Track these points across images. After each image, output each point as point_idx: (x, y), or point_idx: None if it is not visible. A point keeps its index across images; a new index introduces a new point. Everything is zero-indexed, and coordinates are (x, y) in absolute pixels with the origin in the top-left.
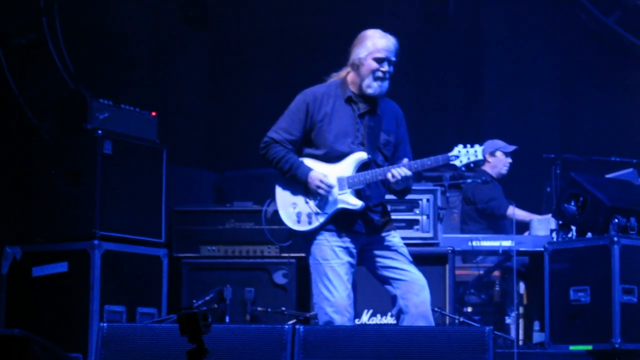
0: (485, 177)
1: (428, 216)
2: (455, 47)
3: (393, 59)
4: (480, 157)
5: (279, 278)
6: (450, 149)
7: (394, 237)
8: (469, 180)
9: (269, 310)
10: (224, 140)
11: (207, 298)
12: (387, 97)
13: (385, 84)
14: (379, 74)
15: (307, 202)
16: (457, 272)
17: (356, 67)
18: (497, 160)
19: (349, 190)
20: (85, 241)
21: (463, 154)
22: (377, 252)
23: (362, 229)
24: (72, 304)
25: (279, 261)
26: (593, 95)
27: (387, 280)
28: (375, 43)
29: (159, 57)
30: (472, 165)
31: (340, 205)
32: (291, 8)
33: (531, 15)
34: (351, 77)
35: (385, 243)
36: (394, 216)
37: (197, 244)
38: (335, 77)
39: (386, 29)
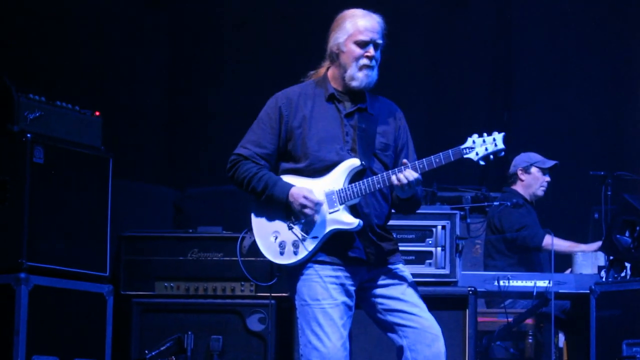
0: (516, 200)
1: (444, 248)
2: (480, 37)
3: (379, 41)
4: (501, 146)
5: (254, 324)
6: (506, 170)
7: (402, 272)
8: (495, 203)
9: None
10: (186, 149)
11: (164, 348)
12: (381, 96)
13: (373, 73)
14: (364, 60)
15: (290, 228)
16: (480, 318)
17: (336, 56)
18: (532, 178)
19: (341, 207)
20: (8, 274)
21: (479, 144)
22: (380, 291)
23: (363, 255)
24: None
25: (254, 302)
26: None
27: (391, 327)
28: (356, 23)
29: (104, 42)
30: (491, 157)
31: (332, 227)
32: None
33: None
34: (332, 71)
35: (391, 279)
36: (400, 247)
37: (151, 279)
38: (314, 76)
39: (396, 13)
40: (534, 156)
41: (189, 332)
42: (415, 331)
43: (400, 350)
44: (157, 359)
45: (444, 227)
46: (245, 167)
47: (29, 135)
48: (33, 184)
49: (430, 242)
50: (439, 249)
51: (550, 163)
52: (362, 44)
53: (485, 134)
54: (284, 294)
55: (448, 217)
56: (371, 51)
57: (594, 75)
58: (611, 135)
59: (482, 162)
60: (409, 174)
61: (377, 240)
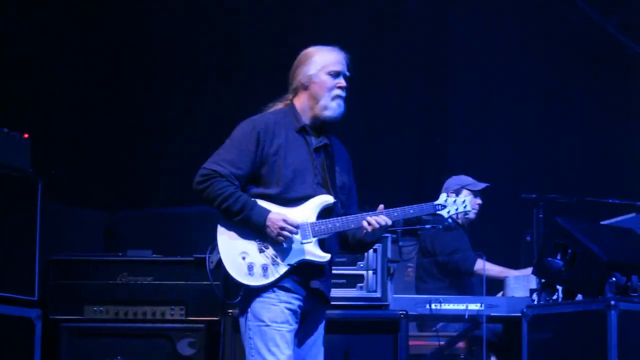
0: (447, 223)
1: (375, 271)
2: (415, 58)
3: (347, 74)
4: (469, 208)
5: (184, 348)
6: (417, 187)
7: (324, 319)
8: (427, 226)
9: None
10: (117, 171)
11: None
12: (333, 135)
13: (344, 104)
14: (337, 91)
15: (262, 251)
16: (412, 342)
17: (304, 89)
18: None
19: (313, 240)
20: None
21: (450, 203)
22: (302, 332)
23: (322, 287)
24: None
25: (184, 326)
26: (585, 120)
27: None
28: (327, 56)
29: (34, 62)
30: (457, 216)
31: (304, 257)
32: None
33: (506, 17)
34: (300, 103)
35: (316, 326)
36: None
37: (81, 303)
38: (275, 107)
39: (326, 33)
40: (465, 179)
41: (118, 357)
42: None
43: None
44: None
45: (375, 250)
46: (220, 185)
47: None
48: None
49: (361, 265)
50: (371, 272)
51: (481, 185)
52: (335, 74)
53: (454, 195)
54: (213, 318)
55: (379, 240)
56: (343, 82)
57: (527, 98)
58: (543, 157)
59: (450, 220)
60: (381, 220)
61: (330, 276)
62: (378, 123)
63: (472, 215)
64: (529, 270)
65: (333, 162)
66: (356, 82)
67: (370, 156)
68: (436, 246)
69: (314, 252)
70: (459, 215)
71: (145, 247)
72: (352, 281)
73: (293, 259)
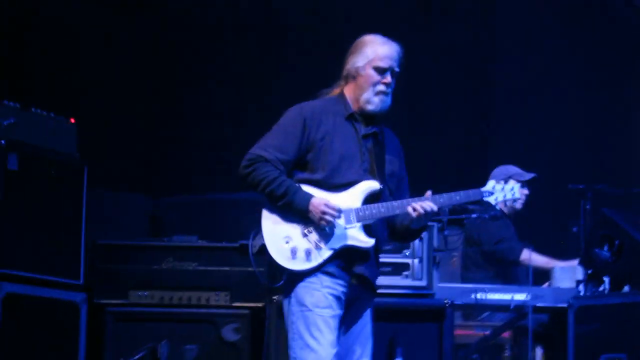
0: (494, 212)
1: (421, 260)
2: (462, 47)
3: (396, 69)
4: (517, 195)
5: (228, 333)
6: (462, 176)
7: (371, 311)
8: (473, 215)
9: None
10: (163, 157)
11: (137, 357)
12: (386, 125)
13: (388, 99)
14: (381, 87)
15: (305, 236)
16: (457, 331)
17: (352, 79)
18: None
19: (357, 225)
20: None
21: (498, 190)
22: (348, 320)
23: (366, 273)
24: None
25: (229, 312)
26: (633, 111)
27: None
28: (376, 50)
29: (81, 48)
30: (506, 203)
31: (348, 242)
32: None
33: (552, 5)
34: (348, 91)
35: (362, 314)
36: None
37: (126, 287)
38: (329, 94)
39: (372, 21)
40: (512, 169)
41: (163, 342)
42: None
43: None
44: None
45: (421, 239)
46: (265, 169)
47: (2, 141)
48: (7, 191)
49: (407, 253)
50: (416, 260)
51: (528, 176)
52: (381, 71)
53: (503, 182)
54: (258, 304)
55: (426, 228)
56: (388, 78)
57: (575, 87)
58: (591, 148)
59: (497, 207)
60: (426, 205)
61: (376, 262)
62: (422, 112)
63: (518, 206)
64: (575, 261)
65: (383, 151)
66: (403, 70)
67: (413, 146)
68: (482, 236)
69: (358, 237)
70: (507, 203)
71: (190, 233)
72: (398, 269)
73: (336, 243)
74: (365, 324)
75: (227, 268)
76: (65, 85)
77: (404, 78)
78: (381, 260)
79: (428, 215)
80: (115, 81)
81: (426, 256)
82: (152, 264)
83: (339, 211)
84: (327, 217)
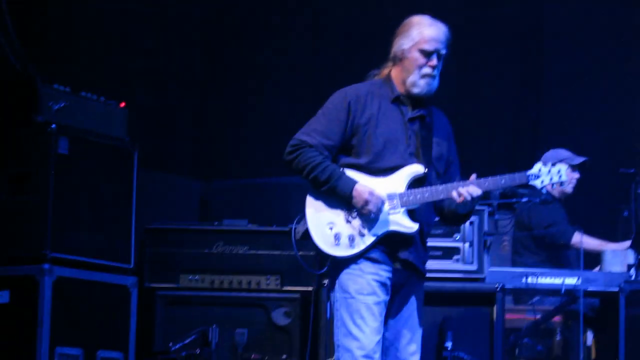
0: (545, 196)
1: (471, 244)
2: (511, 29)
3: (443, 52)
4: (565, 178)
5: (279, 318)
6: (512, 161)
7: (422, 292)
8: (524, 200)
9: (266, 358)
10: (214, 140)
11: (188, 341)
12: (436, 106)
13: (435, 81)
14: (427, 69)
15: (348, 221)
16: (508, 315)
17: (399, 61)
18: None
19: (401, 210)
20: (32, 265)
21: (545, 173)
22: (397, 305)
23: (411, 259)
24: (14, 345)
25: (279, 296)
26: None
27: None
28: (423, 32)
29: (130, 32)
30: (553, 186)
31: (391, 228)
32: None
33: None
34: (395, 73)
35: (410, 296)
36: (427, 242)
37: (176, 271)
38: (377, 76)
39: (423, 9)
40: (563, 152)
41: (214, 325)
42: (394, 358)
43: None
44: (181, 352)
45: (471, 223)
46: (309, 154)
47: (53, 126)
48: (57, 175)
49: (457, 237)
50: (467, 244)
51: (579, 160)
52: (427, 53)
53: (550, 164)
54: (308, 288)
55: (476, 213)
56: (434, 61)
57: (625, 70)
58: None
59: (544, 191)
60: (473, 190)
61: (422, 247)
62: (471, 95)
63: (569, 189)
64: (627, 243)
65: (430, 133)
66: (450, 52)
67: (463, 129)
68: (532, 219)
69: (402, 223)
70: (554, 186)
71: (240, 217)
72: (449, 253)
73: (380, 229)
74: (414, 309)
75: (277, 252)
76: (115, 69)
77: (453, 60)
78: (432, 244)
79: (473, 199)
80: (167, 63)
81: (477, 240)
82: (202, 248)
83: (382, 202)
84: (370, 207)
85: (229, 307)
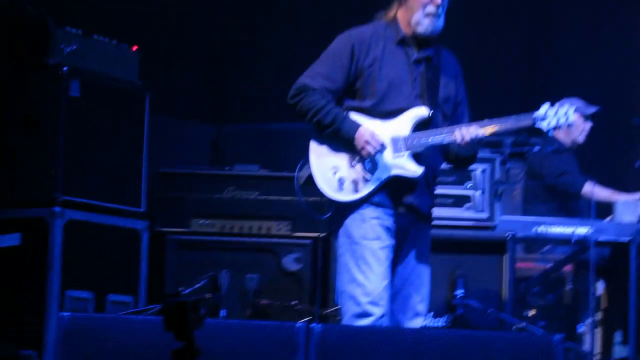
0: (557, 145)
1: (483, 192)
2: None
3: None
4: (572, 119)
5: (290, 263)
6: (523, 111)
7: (429, 239)
8: (536, 148)
9: (277, 303)
10: (224, 84)
11: (198, 285)
12: (443, 46)
13: (439, 21)
14: (431, 8)
15: (352, 166)
16: (519, 264)
17: (404, 1)
18: (573, 124)
19: (406, 153)
20: (43, 207)
21: (551, 115)
22: (404, 252)
23: (416, 203)
24: (25, 288)
25: (290, 242)
26: None
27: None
28: None
29: None
30: (561, 129)
31: (395, 172)
32: None
33: None
34: (401, 14)
35: (419, 245)
36: (438, 190)
37: (187, 216)
38: (384, 18)
39: None
40: (576, 101)
41: (224, 271)
42: (401, 304)
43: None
44: (191, 296)
45: (483, 171)
46: (312, 98)
47: (65, 68)
48: (69, 117)
49: (469, 185)
50: (478, 192)
51: (592, 109)
52: None
53: (557, 105)
54: (318, 234)
55: (488, 161)
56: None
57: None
58: None
59: (551, 133)
60: (473, 130)
61: (428, 191)
62: (482, 49)
63: (581, 139)
64: (639, 194)
65: (437, 75)
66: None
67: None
68: (544, 168)
69: (406, 167)
70: (561, 128)
71: (251, 162)
72: (460, 201)
73: (384, 173)
74: (421, 255)
75: (288, 198)
76: (127, 12)
77: (462, 14)
78: (443, 192)
79: (476, 140)
80: (178, 7)
81: (488, 189)
82: (213, 193)
83: (382, 144)
84: (369, 148)
85: (240, 252)
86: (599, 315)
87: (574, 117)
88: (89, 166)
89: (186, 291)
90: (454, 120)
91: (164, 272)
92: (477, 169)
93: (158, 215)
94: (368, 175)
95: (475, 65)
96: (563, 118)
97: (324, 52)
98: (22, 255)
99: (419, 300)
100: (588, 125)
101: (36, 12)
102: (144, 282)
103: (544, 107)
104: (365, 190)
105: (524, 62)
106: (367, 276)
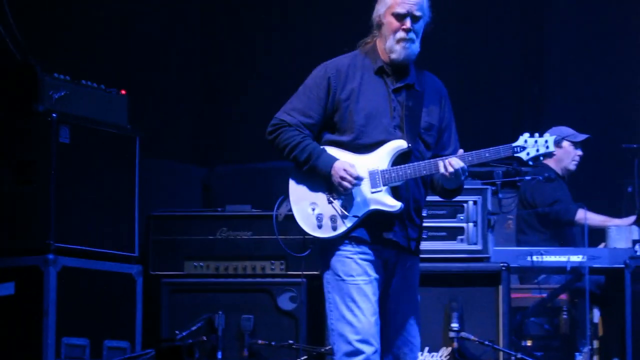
0: (548, 174)
1: (475, 223)
2: (511, 7)
3: (417, 13)
4: (552, 149)
5: (285, 302)
6: (515, 138)
7: (417, 269)
8: (527, 178)
9: (273, 343)
10: (214, 126)
11: (194, 328)
12: (428, 71)
13: (413, 46)
14: (401, 33)
15: (330, 202)
16: (514, 295)
17: (378, 28)
18: (564, 152)
19: (384, 188)
20: (37, 255)
21: (530, 145)
22: (392, 286)
23: (397, 238)
24: (21, 335)
25: (285, 281)
26: None
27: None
28: None
29: (129, 18)
30: (541, 158)
31: (373, 207)
32: None
33: None
34: (379, 42)
35: (407, 276)
36: (431, 223)
37: (181, 258)
38: (366, 45)
39: None
40: (566, 130)
41: (220, 312)
42: (392, 341)
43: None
44: (187, 339)
45: (475, 203)
46: (288, 134)
47: (54, 115)
48: (59, 164)
49: (461, 217)
50: (471, 224)
51: (582, 137)
52: (399, 17)
53: (537, 135)
54: (314, 272)
55: (479, 192)
56: (407, 23)
57: (628, 44)
58: None
59: (531, 163)
60: (453, 163)
61: (411, 225)
62: (474, 73)
63: (572, 167)
64: (632, 218)
65: (420, 102)
66: (451, 29)
67: (466, 107)
68: (536, 197)
69: (384, 201)
70: (542, 158)
71: (243, 202)
72: (453, 233)
73: (361, 209)
74: (409, 287)
75: (281, 236)
76: (116, 57)
77: (454, 40)
78: (435, 225)
79: (456, 174)
80: (167, 51)
81: (481, 220)
82: (206, 234)
83: (358, 178)
84: (345, 184)
85: (235, 293)
86: (596, 344)
87: (553, 146)
88: (82, 212)
89: (182, 334)
90: (439, 148)
91: (159, 316)
92: (469, 200)
93: (151, 259)
94: (346, 212)
95: (466, 91)
96: (543, 148)
97: (301, 86)
98: (17, 304)
99: (413, 335)
100: (578, 152)
101: (24, 59)
102: (139, 327)
103: (522, 138)
104: (343, 227)
105: (514, 90)
106: (355, 314)
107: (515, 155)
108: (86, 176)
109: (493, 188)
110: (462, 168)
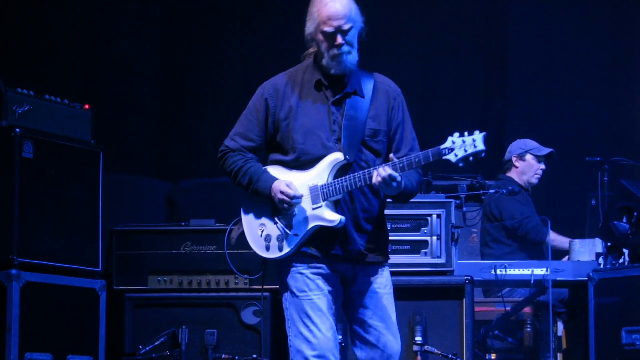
0: (512, 187)
1: (439, 237)
2: (474, 22)
3: (346, 27)
4: (481, 147)
5: (248, 317)
6: (501, 158)
7: (383, 277)
8: (491, 191)
9: (237, 358)
10: (178, 141)
11: (158, 343)
12: (379, 73)
13: (350, 57)
14: (334, 50)
15: (275, 223)
16: (478, 308)
17: (313, 44)
18: (527, 165)
19: (324, 203)
20: (0, 271)
21: (459, 146)
22: (356, 295)
23: (343, 252)
24: None
25: (249, 295)
26: None
27: (353, 336)
28: (321, 12)
29: (92, 33)
30: (471, 159)
31: (314, 224)
32: None
33: None
34: (318, 55)
35: (370, 284)
36: (395, 237)
37: (144, 273)
38: (308, 58)
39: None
40: (530, 143)
41: (184, 327)
42: (372, 348)
43: None
44: (151, 354)
45: (439, 216)
46: (232, 160)
47: (17, 130)
48: (23, 179)
49: (425, 231)
50: (435, 238)
51: (545, 151)
52: (328, 35)
53: (466, 134)
54: (277, 287)
55: (443, 206)
56: (338, 39)
57: (590, 60)
58: (607, 120)
59: (461, 164)
60: (382, 172)
61: (363, 235)
62: (437, 87)
63: (534, 181)
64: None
65: (363, 109)
66: (415, 44)
67: (429, 122)
68: (503, 211)
69: (325, 217)
70: (472, 158)
71: (207, 217)
72: (417, 247)
73: (304, 228)
74: (378, 295)
75: (245, 251)
76: (79, 72)
77: (418, 54)
78: (399, 238)
79: (385, 182)
80: (130, 66)
81: (445, 233)
82: (170, 249)
83: (296, 197)
84: (284, 205)
85: (199, 308)
86: (560, 357)
87: (482, 144)
88: (45, 227)
89: (145, 349)
90: (394, 150)
91: (123, 331)
92: (433, 214)
93: (115, 274)
94: (289, 231)
95: (429, 105)
96: (471, 147)
97: (245, 109)
98: None
99: (392, 340)
100: (542, 166)
101: None
102: (103, 342)
103: (451, 139)
104: (288, 247)
105: (478, 103)
106: (310, 330)
107: (444, 158)
108: (50, 191)
109: (457, 202)
110: (389, 176)
